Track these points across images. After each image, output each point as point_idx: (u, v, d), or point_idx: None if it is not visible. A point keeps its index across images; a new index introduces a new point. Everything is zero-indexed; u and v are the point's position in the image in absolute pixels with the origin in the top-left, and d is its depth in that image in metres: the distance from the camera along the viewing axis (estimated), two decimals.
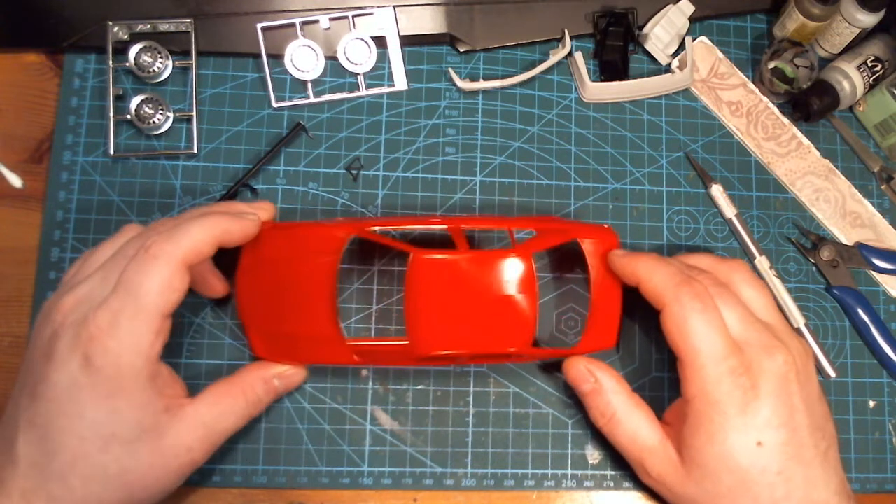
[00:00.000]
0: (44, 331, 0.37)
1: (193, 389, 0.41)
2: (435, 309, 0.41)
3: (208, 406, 0.39)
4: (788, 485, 0.37)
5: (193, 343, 0.45)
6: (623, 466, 0.46)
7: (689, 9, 0.51)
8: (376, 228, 0.43)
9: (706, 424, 0.38)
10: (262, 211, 0.42)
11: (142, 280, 0.36)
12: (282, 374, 0.42)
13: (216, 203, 0.44)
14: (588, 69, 0.51)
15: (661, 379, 0.48)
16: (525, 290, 0.41)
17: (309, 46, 0.49)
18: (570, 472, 0.46)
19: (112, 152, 0.47)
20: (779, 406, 0.38)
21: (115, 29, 0.48)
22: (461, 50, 0.51)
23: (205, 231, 0.37)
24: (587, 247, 0.43)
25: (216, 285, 0.44)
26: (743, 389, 0.37)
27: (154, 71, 0.48)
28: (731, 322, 0.39)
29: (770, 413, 0.37)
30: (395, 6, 0.50)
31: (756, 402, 0.37)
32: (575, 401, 0.47)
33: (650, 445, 0.41)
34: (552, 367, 0.47)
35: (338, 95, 0.49)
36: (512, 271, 0.41)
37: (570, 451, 0.46)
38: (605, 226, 0.46)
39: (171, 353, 0.45)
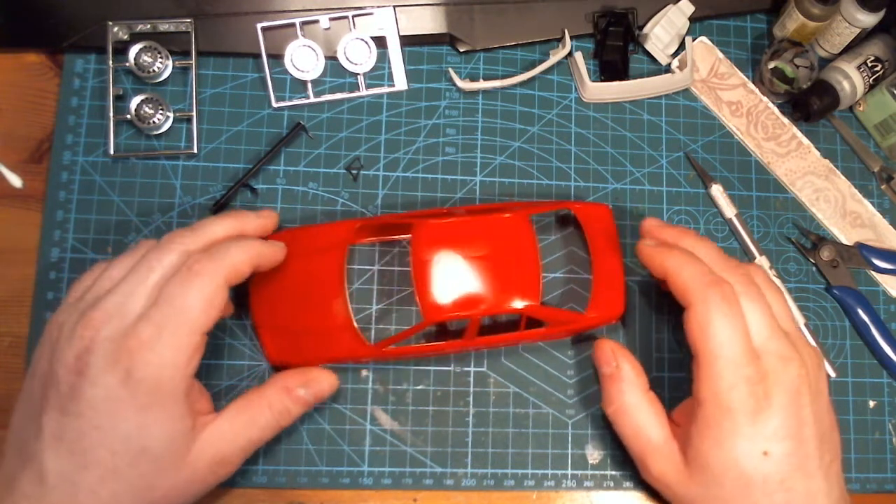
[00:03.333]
0: (66, 346, 0.36)
1: None
2: (442, 274, 0.42)
3: (230, 422, 0.39)
4: (789, 495, 0.37)
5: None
6: (623, 466, 0.46)
7: (689, 9, 0.51)
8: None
9: (715, 429, 0.38)
10: (269, 220, 0.43)
11: (186, 295, 0.36)
12: (308, 382, 0.42)
13: (230, 213, 0.43)
14: (588, 69, 0.51)
15: (662, 379, 0.48)
16: (527, 250, 0.43)
17: (309, 46, 0.49)
18: (570, 472, 0.46)
19: (112, 152, 0.47)
20: (789, 418, 0.37)
21: (115, 29, 0.48)
22: (461, 50, 0.51)
23: (244, 253, 0.39)
24: (581, 215, 0.46)
25: (226, 308, 0.44)
26: (756, 398, 0.37)
27: (154, 71, 0.48)
28: (754, 326, 0.39)
29: (779, 424, 0.37)
30: (395, 6, 0.50)
31: (767, 412, 0.37)
32: (575, 401, 0.47)
33: (655, 443, 0.41)
34: (551, 368, 0.47)
35: (338, 95, 0.49)
36: (512, 231, 0.43)
37: (570, 451, 0.46)
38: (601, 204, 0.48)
39: None
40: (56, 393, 0.36)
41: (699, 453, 0.38)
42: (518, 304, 0.42)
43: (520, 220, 0.44)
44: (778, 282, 0.50)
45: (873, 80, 0.51)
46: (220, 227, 0.41)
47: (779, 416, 0.37)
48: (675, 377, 0.48)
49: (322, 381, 0.42)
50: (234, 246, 0.39)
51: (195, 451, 0.37)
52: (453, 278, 0.42)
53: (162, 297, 0.36)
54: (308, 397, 0.42)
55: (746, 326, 0.38)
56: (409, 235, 0.44)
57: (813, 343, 0.49)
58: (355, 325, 0.43)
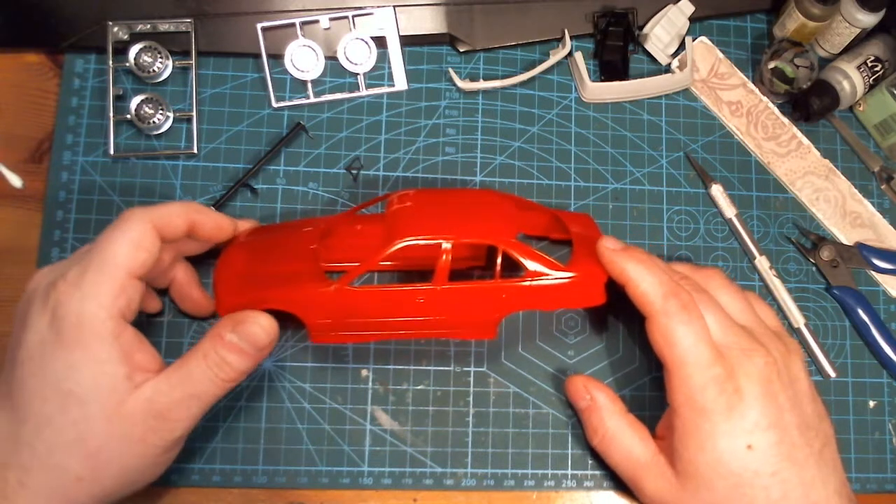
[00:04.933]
0: (20, 307, 0.38)
1: None
2: (414, 210, 0.41)
3: (167, 376, 0.37)
4: (784, 486, 0.37)
5: (194, 342, 0.45)
6: None
7: (689, 9, 0.51)
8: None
9: (695, 432, 0.38)
10: (245, 225, 0.45)
11: (112, 237, 0.37)
12: (237, 325, 0.37)
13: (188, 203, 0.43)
14: (588, 69, 0.51)
15: (662, 379, 0.48)
16: (504, 205, 0.42)
17: (309, 46, 0.49)
18: (570, 472, 0.46)
19: (112, 152, 0.47)
20: (765, 407, 0.38)
21: (115, 29, 0.48)
22: (461, 50, 0.51)
23: (179, 206, 0.40)
24: (568, 224, 0.45)
25: (200, 301, 0.45)
26: (727, 394, 0.37)
27: (154, 71, 0.48)
28: (712, 328, 0.39)
29: (758, 415, 0.37)
30: (395, 6, 0.50)
31: (741, 406, 0.37)
32: None
33: (644, 462, 0.41)
34: (551, 368, 0.47)
35: (338, 95, 0.49)
36: (493, 197, 0.43)
37: (570, 451, 0.46)
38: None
39: (171, 352, 0.45)
40: (9, 351, 0.37)
41: (685, 461, 0.39)
42: (493, 236, 0.40)
43: (505, 195, 0.44)
44: (778, 282, 0.50)
45: (873, 80, 0.51)
46: (174, 205, 0.40)
47: (754, 407, 0.37)
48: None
49: (251, 323, 0.38)
50: (170, 202, 0.40)
51: (130, 404, 0.35)
52: (426, 214, 0.40)
53: (93, 244, 0.38)
54: (241, 344, 0.37)
55: (707, 330, 0.39)
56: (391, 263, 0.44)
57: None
58: (320, 266, 0.41)
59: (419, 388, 0.46)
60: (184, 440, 0.38)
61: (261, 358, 0.39)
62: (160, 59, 0.48)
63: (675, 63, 0.52)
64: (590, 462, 0.46)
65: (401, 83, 0.50)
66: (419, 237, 0.39)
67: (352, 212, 0.46)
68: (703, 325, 0.39)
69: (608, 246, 0.41)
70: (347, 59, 0.49)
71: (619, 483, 0.46)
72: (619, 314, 0.49)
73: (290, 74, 0.49)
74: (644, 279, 0.40)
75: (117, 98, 0.47)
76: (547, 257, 0.41)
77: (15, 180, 0.47)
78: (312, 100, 0.49)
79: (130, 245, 0.37)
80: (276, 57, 0.49)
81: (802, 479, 0.38)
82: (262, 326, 0.38)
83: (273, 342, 0.39)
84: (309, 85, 0.49)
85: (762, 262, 0.50)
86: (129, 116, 0.47)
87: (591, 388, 0.44)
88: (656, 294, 0.39)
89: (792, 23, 0.51)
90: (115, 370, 0.35)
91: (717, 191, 0.51)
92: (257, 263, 0.42)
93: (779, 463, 0.37)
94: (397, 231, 0.39)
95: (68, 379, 0.35)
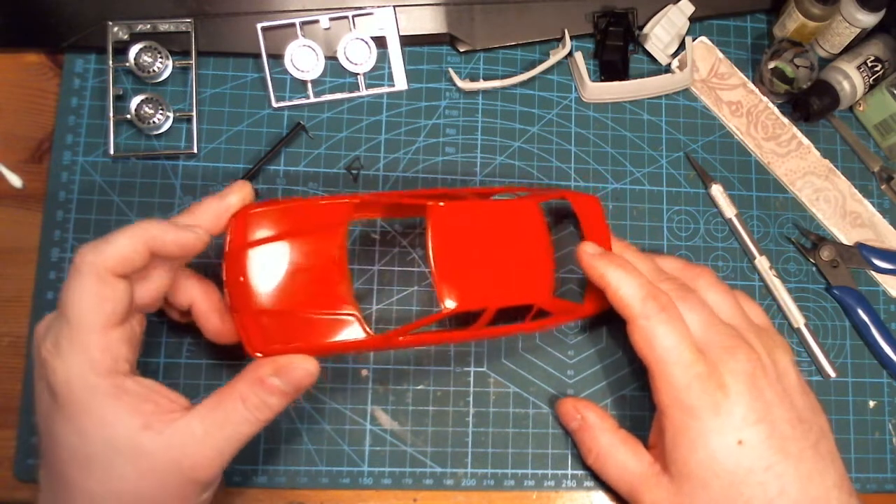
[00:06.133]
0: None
1: (194, 390, 0.41)
2: (461, 262, 0.40)
3: (201, 418, 0.35)
4: (781, 481, 0.37)
5: (194, 342, 0.45)
6: None
7: (689, 9, 0.51)
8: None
9: (684, 433, 0.38)
10: (234, 198, 0.39)
11: (70, 297, 0.35)
12: (280, 370, 0.37)
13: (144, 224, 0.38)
14: (588, 69, 0.51)
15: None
16: (540, 240, 0.42)
17: (309, 46, 0.49)
18: (570, 472, 0.46)
19: (112, 152, 0.47)
20: (752, 402, 0.38)
21: (115, 29, 0.48)
22: (461, 50, 0.51)
23: (130, 238, 0.35)
24: (576, 205, 0.45)
25: (221, 332, 0.41)
26: (712, 392, 0.38)
27: (154, 71, 0.48)
28: (693, 326, 0.40)
29: (745, 410, 0.38)
30: (395, 6, 0.50)
31: (727, 402, 0.38)
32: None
33: (639, 474, 0.41)
34: (551, 368, 0.47)
35: (338, 95, 0.49)
36: (525, 220, 0.42)
37: (570, 451, 0.46)
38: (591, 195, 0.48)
39: (172, 352, 0.45)
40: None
41: (679, 463, 0.39)
42: (533, 296, 0.41)
43: (532, 208, 0.43)
44: (778, 282, 0.50)
45: (873, 80, 0.51)
46: (125, 238, 0.36)
47: (740, 402, 0.38)
48: None
49: (297, 368, 0.37)
50: (120, 233, 0.36)
51: (159, 452, 0.34)
52: (472, 267, 0.40)
53: (59, 303, 0.35)
54: (284, 387, 0.37)
55: (687, 329, 0.39)
56: (412, 215, 0.42)
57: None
58: (359, 311, 0.39)
59: (419, 388, 0.46)
60: (220, 478, 0.38)
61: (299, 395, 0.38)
62: (160, 59, 0.48)
63: (675, 63, 0.52)
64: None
65: (401, 83, 0.50)
66: (471, 305, 0.39)
67: (374, 200, 0.43)
68: (682, 326, 0.39)
69: (588, 251, 0.42)
70: (347, 59, 0.49)
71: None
72: (619, 314, 0.48)
73: (290, 74, 0.49)
74: (622, 284, 0.40)
75: (117, 98, 0.47)
76: (572, 303, 0.44)
77: (15, 180, 0.47)
78: (312, 100, 0.49)
79: (92, 300, 0.34)
80: (276, 57, 0.49)
81: (799, 473, 0.37)
82: (308, 372, 0.37)
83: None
84: (309, 85, 0.49)
85: (762, 262, 0.50)
86: (129, 116, 0.47)
87: (580, 409, 0.44)
88: (634, 297, 0.40)
89: (792, 23, 0.51)
90: (127, 425, 0.34)
91: (717, 191, 0.51)
92: (285, 294, 0.38)
93: (772, 457, 0.37)
94: (451, 297, 0.39)
95: (84, 445, 0.34)
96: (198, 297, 0.40)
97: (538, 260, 0.42)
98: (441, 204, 0.40)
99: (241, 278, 0.38)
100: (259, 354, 0.38)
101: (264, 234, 0.39)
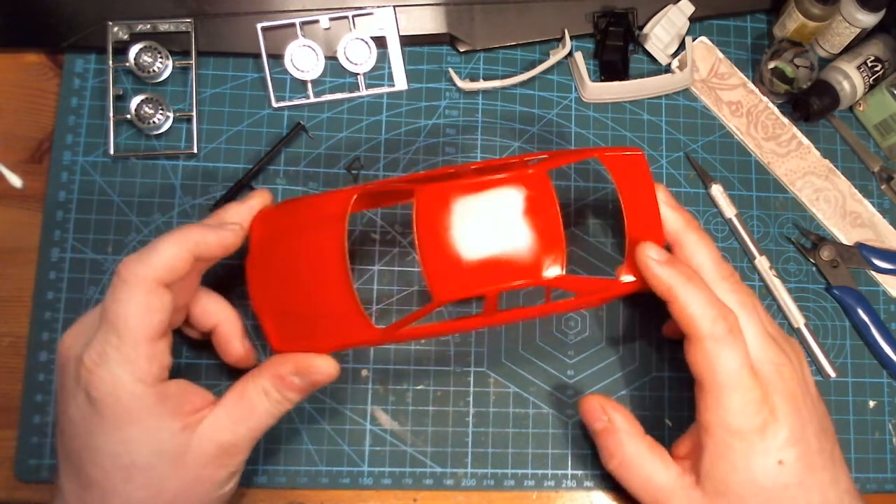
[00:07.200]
0: (57, 369, 0.38)
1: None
2: (452, 246, 0.37)
3: (228, 411, 0.37)
4: (808, 494, 0.37)
5: (194, 342, 0.45)
6: None
7: (689, 9, 0.51)
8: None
9: (728, 453, 0.37)
10: (255, 200, 0.41)
11: (118, 308, 0.35)
12: (302, 371, 0.38)
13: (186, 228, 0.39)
14: (588, 69, 0.51)
15: (662, 379, 0.48)
16: (546, 213, 0.38)
17: (309, 46, 0.49)
18: (570, 472, 0.46)
19: (112, 152, 0.47)
20: (794, 424, 0.38)
21: (115, 29, 0.48)
22: (461, 50, 0.51)
23: (175, 246, 0.36)
24: (610, 163, 0.40)
25: (241, 357, 0.42)
26: (763, 416, 0.37)
27: (154, 71, 0.48)
28: (750, 343, 0.38)
29: (788, 433, 0.37)
30: (395, 6, 0.50)
31: (775, 425, 0.37)
32: (575, 401, 0.47)
33: (669, 488, 0.40)
34: (551, 368, 0.47)
35: (338, 95, 0.49)
36: (528, 192, 0.38)
37: (569, 451, 0.46)
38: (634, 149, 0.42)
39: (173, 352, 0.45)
40: (59, 408, 0.37)
41: (717, 481, 0.38)
42: (542, 275, 0.38)
43: (536, 179, 0.39)
44: (778, 282, 0.50)
45: (873, 80, 0.51)
46: (171, 246, 0.37)
47: (786, 425, 0.37)
48: (676, 377, 0.48)
49: (318, 370, 0.38)
50: (164, 241, 0.36)
51: (195, 449, 0.36)
52: (465, 250, 0.37)
53: (102, 313, 0.36)
54: (304, 385, 0.38)
55: (747, 351, 0.38)
56: (412, 202, 0.39)
57: (812, 342, 0.49)
58: (360, 306, 0.38)
59: (419, 388, 0.46)
60: (243, 467, 0.39)
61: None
62: (160, 59, 0.48)
63: (675, 63, 0.52)
64: (590, 462, 0.46)
65: (401, 83, 0.50)
66: (462, 294, 0.37)
67: (372, 190, 0.42)
68: (744, 347, 0.38)
69: (651, 256, 0.39)
70: (347, 59, 0.49)
71: (618, 484, 0.46)
72: (619, 314, 0.49)
73: (290, 74, 0.49)
74: (691, 301, 0.38)
75: (117, 98, 0.47)
76: (599, 280, 0.40)
77: (15, 180, 0.47)
78: (312, 100, 0.49)
79: (140, 312, 0.35)
80: (276, 57, 0.49)
81: (821, 484, 0.38)
82: (324, 371, 0.39)
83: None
84: (309, 85, 0.49)
85: (762, 262, 0.50)
86: (129, 116, 0.47)
87: (608, 409, 0.42)
88: (704, 318, 0.37)
89: (792, 23, 0.51)
90: (170, 430, 0.36)
91: (717, 191, 0.51)
92: (295, 293, 0.39)
93: (803, 472, 0.37)
94: (438, 290, 0.37)
95: (128, 453, 0.35)
96: (223, 321, 0.42)
97: (546, 237, 0.38)
98: (429, 187, 0.38)
99: (262, 280, 0.40)
100: (280, 351, 0.39)
101: (276, 233, 0.41)
